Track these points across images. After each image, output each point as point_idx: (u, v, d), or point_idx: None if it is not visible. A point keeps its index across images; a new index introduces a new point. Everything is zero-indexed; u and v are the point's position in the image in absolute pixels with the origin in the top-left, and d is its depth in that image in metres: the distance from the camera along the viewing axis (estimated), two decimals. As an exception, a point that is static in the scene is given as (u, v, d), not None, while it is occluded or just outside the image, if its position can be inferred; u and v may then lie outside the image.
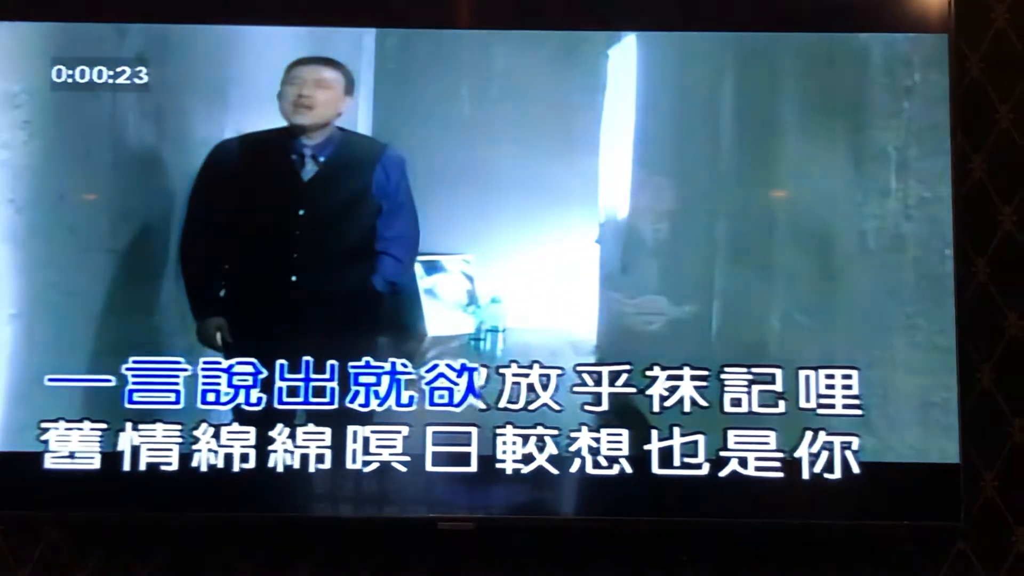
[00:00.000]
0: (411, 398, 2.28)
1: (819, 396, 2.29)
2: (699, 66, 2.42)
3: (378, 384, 2.27)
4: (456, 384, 2.28)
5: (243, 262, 2.38)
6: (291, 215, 2.38)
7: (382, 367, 2.28)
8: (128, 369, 2.28)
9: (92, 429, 2.26)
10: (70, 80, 2.35)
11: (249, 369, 2.27)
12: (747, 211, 2.38)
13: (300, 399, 2.27)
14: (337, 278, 2.39)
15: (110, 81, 2.35)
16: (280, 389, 2.27)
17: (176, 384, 2.28)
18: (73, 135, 2.36)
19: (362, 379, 2.28)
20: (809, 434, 2.27)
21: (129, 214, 2.36)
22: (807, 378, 2.29)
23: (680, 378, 2.30)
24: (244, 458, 2.25)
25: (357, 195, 2.40)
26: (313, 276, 2.36)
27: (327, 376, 2.27)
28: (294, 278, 2.36)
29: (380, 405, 2.27)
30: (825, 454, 2.26)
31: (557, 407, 2.27)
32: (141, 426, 2.25)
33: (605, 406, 2.28)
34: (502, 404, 2.28)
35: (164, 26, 2.39)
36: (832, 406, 2.29)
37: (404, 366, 2.29)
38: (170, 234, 2.36)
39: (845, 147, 2.36)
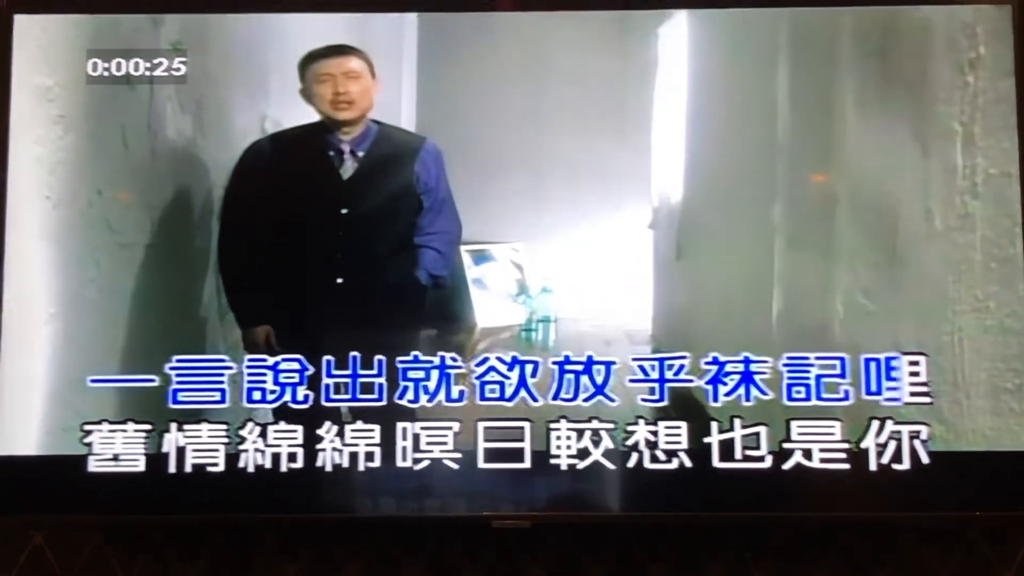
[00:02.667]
0: (461, 393, 2.27)
1: (886, 385, 2.25)
2: (753, 43, 2.40)
3: (427, 379, 2.27)
4: (508, 377, 2.27)
5: (287, 267, 2.38)
6: (334, 215, 2.38)
7: (431, 361, 2.28)
8: (171, 368, 2.28)
9: (136, 431, 2.26)
10: (106, 73, 2.35)
11: (295, 366, 2.27)
12: (806, 192, 2.36)
13: (348, 396, 2.26)
14: (382, 276, 2.38)
15: (147, 73, 2.35)
16: (327, 386, 2.27)
17: (221, 383, 2.28)
18: (109, 129, 2.36)
19: (411, 374, 2.27)
20: (876, 424, 2.24)
21: (168, 208, 2.36)
22: (873, 365, 2.26)
23: (740, 368, 2.27)
24: (292, 457, 2.25)
25: (398, 191, 2.40)
26: (359, 276, 2.36)
27: (375, 372, 2.27)
28: (340, 280, 2.36)
29: (430, 401, 2.26)
30: (893, 444, 2.24)
31: (613, 400, 2.26)
32: (186, 426, 2.26)
33: (663, 398, 2.26)
34: (555, 397, 2.26)
35: (200, 16, 2.39)
36: (899, 395, 2.25)
37: (454, 360, 2.28)
38: (211, 228, 2.36)
39: (908, 123, 2.32)
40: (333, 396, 2.27)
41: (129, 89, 2.36)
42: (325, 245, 2.37)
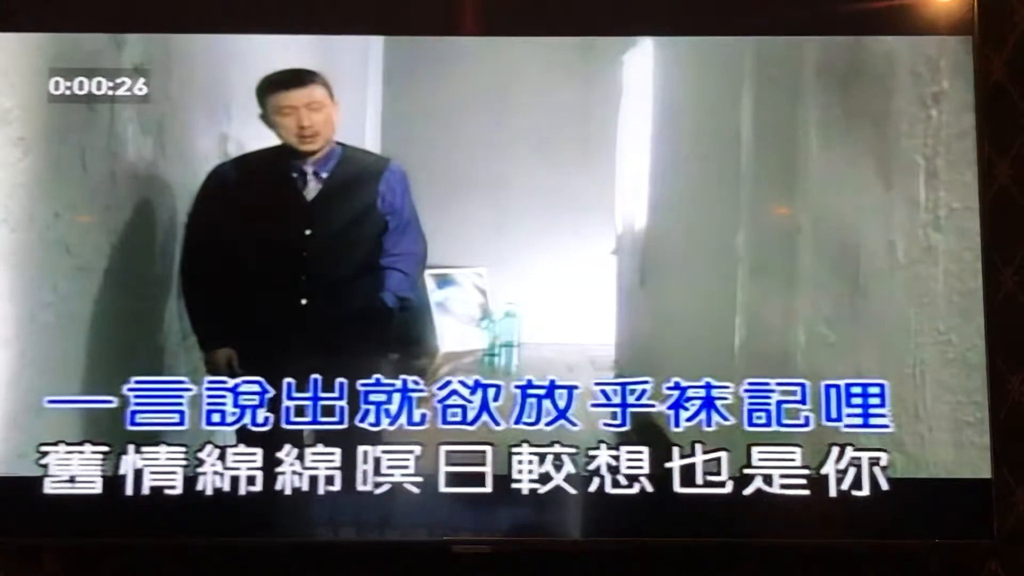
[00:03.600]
0: (423, 416, 2.28)
1: (846, 411, 2.29)
2: (717, 72, 2.43)
3: (389, 403, 2.28)
4: (470, 401, 2.29)
5: (250, 289, 2.39)
6: (298, 236, 2.39)
7: (393, 384, 2.29)
8: (130, 390, 2.28)
9: (93, 452, 2.26)
10: (68, 92, 2.36)
11: (255, 388, 2.28)
12: (769, 221, 2.39)
13: (308, 419, 2.27)
14: (347, 297, 2.40)
15: (109, 92, 2.36)
16: (288, 408, 2.27)
17: (180, 405, 2.28)
18: (69, 151, 2.36)
19: (372, 397, 2.28)
20: (836, 450, 2.27)
21: (128, 231, 2.36)
22: (833, 392, 2.29)
23: (702, 393, 2.29)
24: (251, 480, 2.26)
25: (363, 211, 2.41)
26: (323, 298, 2.37)
27: (336, 395, 2.28)
28: (304, 301, 2.37)
29: (391, 424, 2.27)
30: (852, 470, 2.26)
31: (575, 424, 2.27)
32: (144, 448, 2.26)
33: (624, 423, 2.28)
34: (517, 422, 2.27)
35: (163, 37, 2.40)
36: (860, 423, 2.29)
37: (416, 383, 2.29)
38: (172, 251, 2.36)
39: (871, 155, 2.35)
40: (294, 419, 2.27)
41: (90, 110, 2.36)
42: (289, 266, 2.39)
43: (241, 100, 2.39)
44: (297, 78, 2.37)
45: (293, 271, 2.38)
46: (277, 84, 2.37)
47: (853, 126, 2.37)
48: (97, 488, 2.25)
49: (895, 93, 2.36)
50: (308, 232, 2.39)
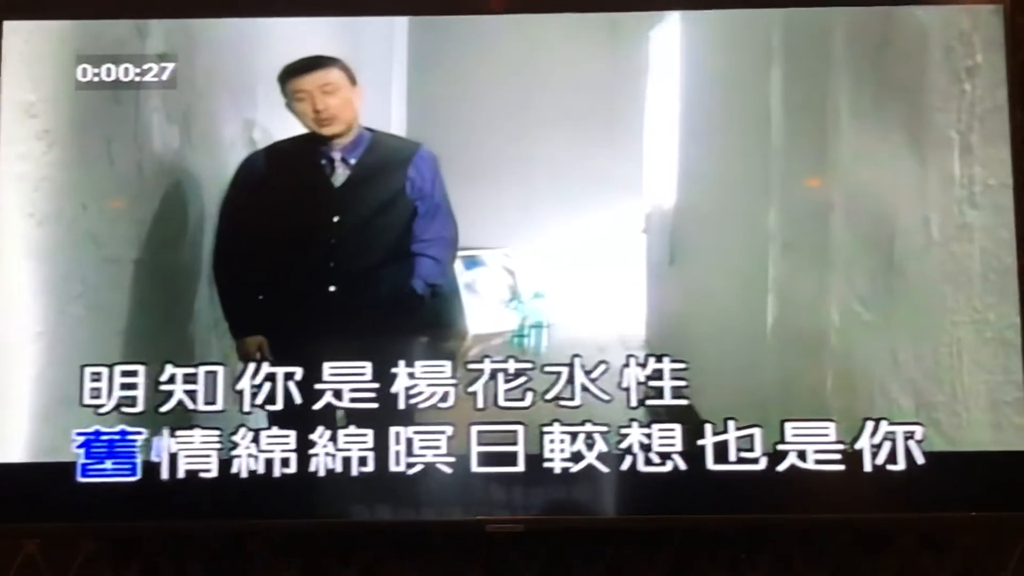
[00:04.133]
0: (454, 397, 2.30)
1: (880, 388, 2.29)
2: (746, 46, 2.43)
3: (420, 385, 2.30)
4: (500, 382, 2.30)
5: (279, 276, 2.41)
6: (326, 223, 2.41)
7: (424, 367, 2.31)
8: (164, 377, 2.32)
9: (130, 437, 2.29)
10: (95, 79, 2.38)
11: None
12: (801, 198, 2.38)
13: (341, 402, 2.29)
14: (375, 284, 2.41)
15: (136, 79, 2.38)
16: (320, 391, 2.29)
17: (215, 390, 2.31)
18: (95, 142, 2.38)
19: (403, 380, 2.30)
20: (870, 424, 2.27)
21: (156, 221, 2.38)
22: (867, 370, 2.29)
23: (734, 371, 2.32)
24: (285, 463, 2.28)
25: (391, 197, 2.42)
26: (351, 284, 2.39)
27: (368, 378, 2.30)
28: (332, 288, 2.38)
29: (423, 406, 2.29)
30: (887, 445, 2.27)
31: (606, 403, 2.28)
32: (178, 432, 2.28)
33: (655, 401, 2.29)
34: (548, 402, 2.29)
35: (186, 24, 2.42)
36: (893, 396, 2.29)
37: (446, 366, 2.31)
38: (201, 238, 2.39)
39: (904, 130, 2.35)
40: (326, 401, 2.29)
41: (115, 101, 2.38)
42: (317, 254, 2.40)
43: (266, 86, 2.40)
44: (310, 63, 2.39)
45: (321, 258, 2.40)
46: (291, 71, 2.39)
47: (885, 100, 2.36)
48: (133, 473, 2.28)
49: (928, 67, 2.35)
50: (336, 219, 2.41)
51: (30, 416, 2.31)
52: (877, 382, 2.31)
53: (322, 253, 2.40)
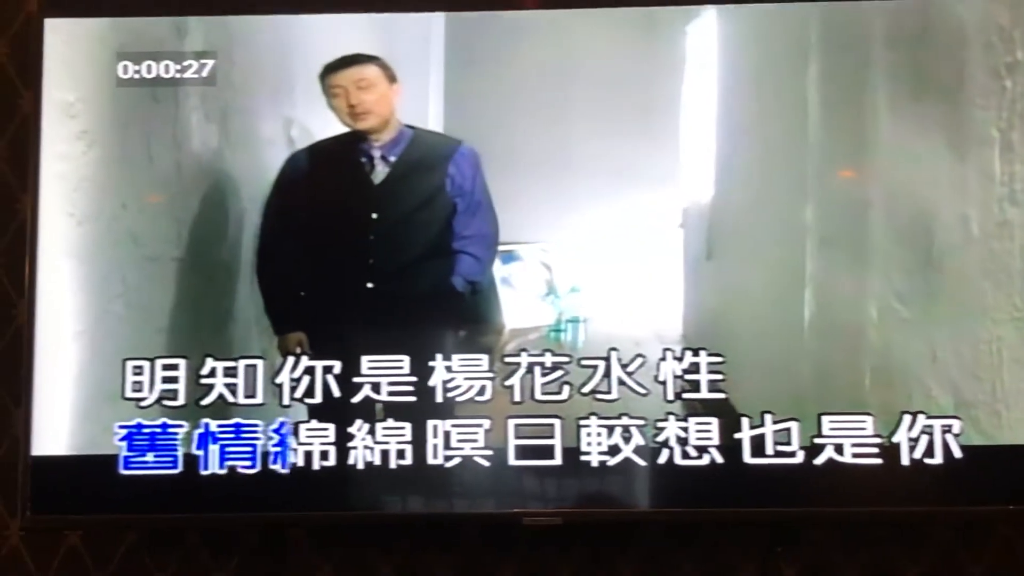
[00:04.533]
0: (491, 391, 2.32)
1: (918, 385, 2.30)
2: (783, 40, 2.43)
3: (456, 378, 2.32)
4: (537, 376, 2.32)
5: (320, 272, 2.43)
6: (365, 220, 2.44)
7: (462, 360, 2.33)
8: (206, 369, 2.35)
9: (171, 430, 2.32)
10: (136, 76, 2.41)
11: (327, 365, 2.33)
12: (838, 193, 2.39)
13: (380, 395, 2.32)
14: (415, 281, 2.44)
15: (176, 76, 2.41)
16: (359, 385, 2.32)
17: (255, 383, 2.34)
18: (134, 142, 2.41)
19: (440, 374, 2.32)
20: (908, 418, 2.28)
21: (195, 219, 2.42)
22: (905, 366, 2.30)
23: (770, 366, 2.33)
24: (324, 455, 2.31)
25: (431, 195, 2.45)
26: (390, 280, 2.42)
27: (406, 371, 2.32)
28: (370, 284, 2.41)
29: (460, 399, 2.32)
30: (925, 438, 2.27)
31: (643, 396, 2.30)
32: (219, 425, 2.32)
33: (692, 394, 2.31)
34: (585, 395, 2.31)
35: (224, 22, 2.45)
36: (932, 394, 2.30)
37: (483, 359, 2.34)
38: (239, 235, 2.42)
39: (943, 127, 2.35)
40: (364, 395, 2.32)
41: (153, 100, 2.41)
42: (356, 250, 2.43)
43: (305, 84, 2.43)
44: (347, 60, 2.42)
45: (361, 255, 2.43)
46: (329, 67, 2.42)
47: (923, 96, 2.36)
48: (175, 466, 2.32)
49: (967, 63, 2.35)
50: (375, 216, 2.44)
51: (73, 410, 2.35)
52: (915, 379, 2.31)
53: (361, 250, 2.43)
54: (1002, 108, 2.33)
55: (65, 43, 2.42)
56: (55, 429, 2.34)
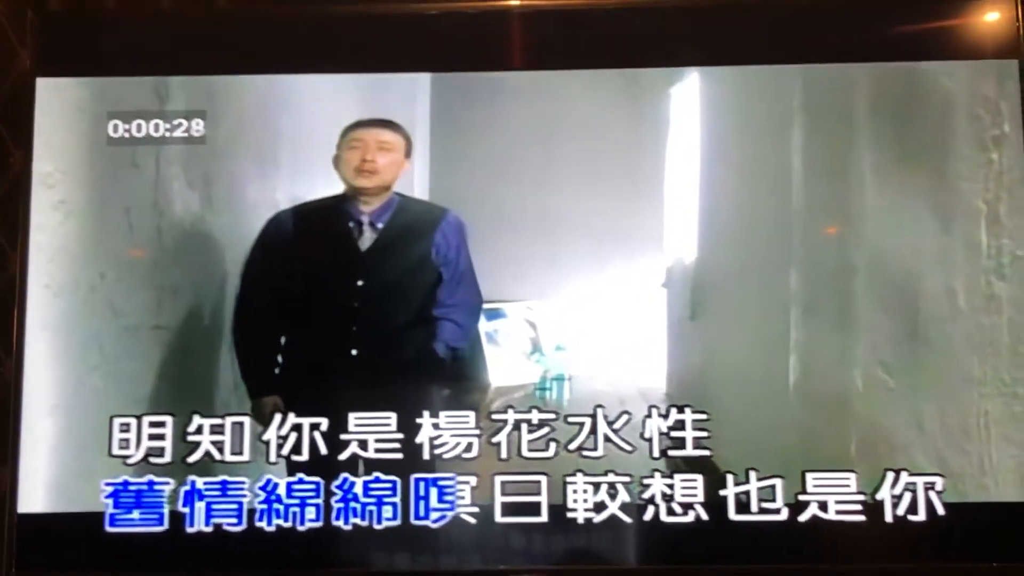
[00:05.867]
0: (477, 449, 2.36)
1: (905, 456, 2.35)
2: (767, 103, 2.48)
3: (443, 436, 2.37)
4: (523, 434, 2.36)
5: (301, 338, 2.47)
6: (350, 286, 2.47)
7: (447, 420, 2.37)
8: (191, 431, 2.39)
9: (157, 487, 2.36)
10: (127, 135, 2.45)
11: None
12: (823, 260, 2.43)
13: (365, 452, 2.36)
14: (398, 347, 2.47)
15: (166, 135, 2.46)
16: (344, 442, 2.36)
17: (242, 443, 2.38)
18: (113, 211, 2.44)
19: (426, 432, 2.36)
20: (891, 475, 2.32)
21: (176, 287, 2.45)
22: (891, 437, 2.35)
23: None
24: (309, 514, 2.34)
25: (417, 263, 2.49)
26: (374, 348, 2.45)
27: (392, 429, 2.36)
28: (355, 352, 2.45)
29: (446, 457, 2.35)
30: (908, 495, 2.31)
31: (628, 453, 2.34)
32: (206, 480, 2.35)
33: (677, 452, 2.35)
34: (571, 452, 2.35)
35: (208, 86, 2.49)
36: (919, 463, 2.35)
37: (469, 418, 2.38)
38: (222, 303, 2.45)
39: (928, 197, 2.39)
40: (349, 452, 2.36)
41: (134, 168, 2.44)
42: (340, 317, 2.47)
43: (290, 146, 2.49)
44: (380, 121, 2.48)
45: (345, 322, 2.46)
46: (359, 123, 2.47)
47: (909, 165, 2.40)
48: (160, 523, 2.35)
49: (953, 134, 2.39)
50: (360, 283, 2.48)
51: (59, 468, 2.38)
52: (902, 449, 2.35)
53: (345, 317, 2.46)
54: (988, 180, 2.37)
55: (53, 103, 2.46)
56: (41, 487, 2.37)
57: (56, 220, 2.43)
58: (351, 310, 2.46)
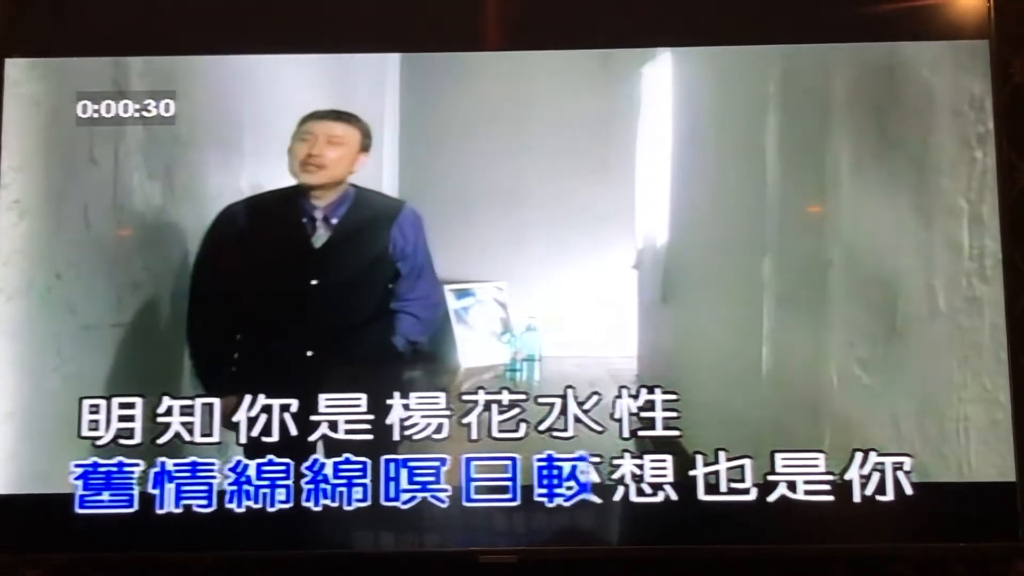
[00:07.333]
0: (448, 430, 2.39)
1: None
2: (740, 84, 2.50)
3: (413, 418, 2.40)
4: (493, 415, 2.40)
5: (255, 338, 2.48)
6: (303, 286, 2.48)
7: (417, 401, 2.41)
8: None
9: (127, 468, 2.39)
10: (95, 115, 2.47)
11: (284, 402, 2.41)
12: (797, 249, 2.45)
13: (337, 434, 2.39)
14: (354, 345, 2.48)
15: (135, 115, 2.47)
16: (315, 423, 2.39)
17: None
18: (70, 209, 2.44)
19: (396, 413, 2.40)
20: (859, 455, 2.36)
21: (137, 283, 2.45)
22: (867, 435, 2.39)
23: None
24: (279, 495, 2.37)
25: (373, 259, 2.50)
26: (330, 348, 2.46)
27: (363, 409, 2.40)
28: (310, 353, 2.45)
29: (416, 438, 2.39)
30: (876, 475, 2.36)
31: (598, 434, 2.38)
32: (176, 462, 2.38)
33: (647, 432, 2.39)
34: (541, 433, 2.38)
35: (170, 68, 2.50)
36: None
37: (439, 399, 2.41)
38: (185, 298, 2.46)
39: (908, 192, 2.40)
40: (319, 433, 2.40)
41: (92, 164, 2.44)
42: (294, 317, 2.47)
43: (255, 133, 2.50)
44: (334, 113, 2.47)
45: (298, 321, 2.47)
46: (313, 115, 2.46)
47: (888, 155, 2.42)
48: (130, 505, 2.38)
49: (935, 130, 2.41)
50: (313, 283, 2.48)
51: (28, 450, 2.41)
52: (878, 448, 2.39)
53: (299, 316, 2.47)
54: (971, 179, 2.39)
55: (20, 85, 2.47)
56: (10, 468, 2.40)
57: (10, 221, 2.43)
58: (305, 311, 2.46)
